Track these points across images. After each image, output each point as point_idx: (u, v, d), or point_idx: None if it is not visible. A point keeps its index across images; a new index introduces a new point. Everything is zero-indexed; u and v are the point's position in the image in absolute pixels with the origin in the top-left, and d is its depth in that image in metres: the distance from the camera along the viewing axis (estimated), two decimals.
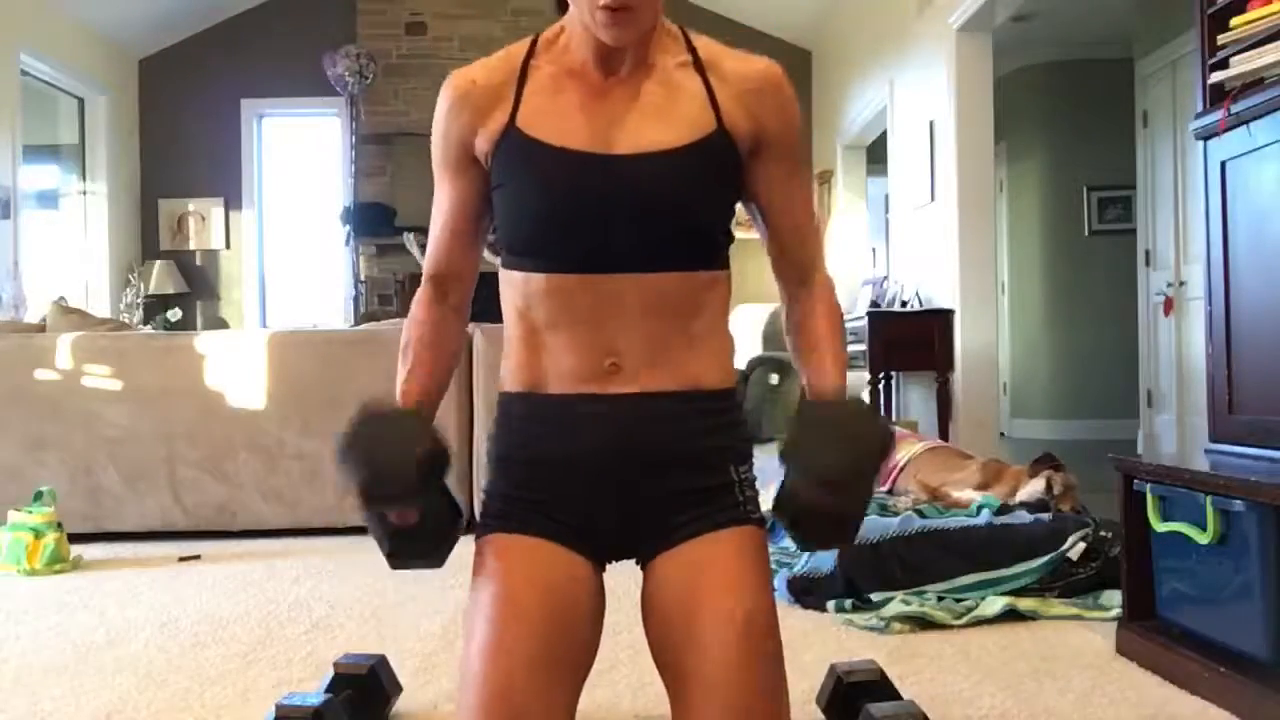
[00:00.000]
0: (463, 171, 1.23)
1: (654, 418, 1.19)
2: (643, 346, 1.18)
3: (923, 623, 2.19)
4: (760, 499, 1.27)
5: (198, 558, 3.16)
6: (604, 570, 1.27)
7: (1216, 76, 2.03)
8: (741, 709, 1.10)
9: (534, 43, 1.22)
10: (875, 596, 2.34)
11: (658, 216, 1.16)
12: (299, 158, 8.28)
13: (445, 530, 1.23)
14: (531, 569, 1.18)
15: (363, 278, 7.54)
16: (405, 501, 1.14)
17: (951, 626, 2.19)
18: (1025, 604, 2.28)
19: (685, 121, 1.17)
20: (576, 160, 1.15)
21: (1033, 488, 2.76)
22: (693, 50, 1.21)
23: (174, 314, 7.63)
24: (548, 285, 1.18)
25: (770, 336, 6.69)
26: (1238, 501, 1.67)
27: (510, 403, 1.26)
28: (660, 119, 1.16)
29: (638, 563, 1.26)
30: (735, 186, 1.22)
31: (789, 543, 2.93)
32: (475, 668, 1.13)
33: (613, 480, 1.21)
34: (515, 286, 1.22)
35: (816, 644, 2.08)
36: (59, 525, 3.08)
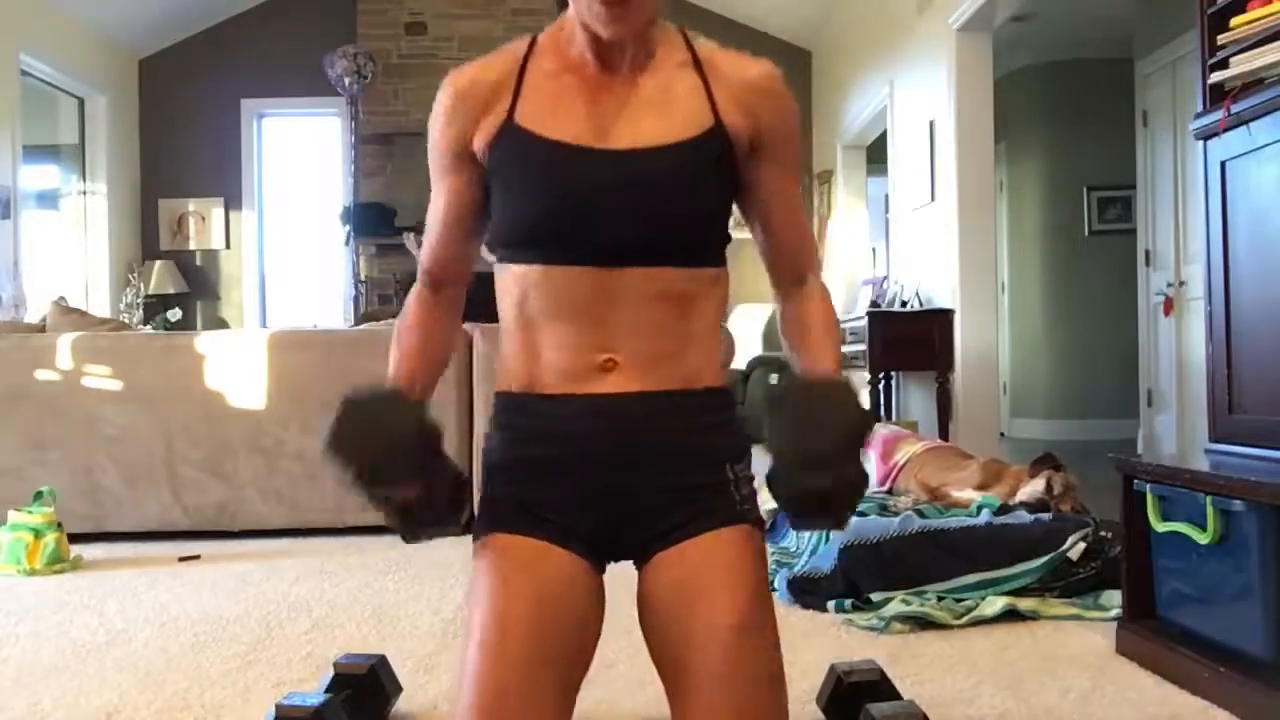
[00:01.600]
0: (460, 169, 1.23)
1: (649, 418, 1.19)
2: (640, 343, 1.17)
3: (923, 623, 2.19)
4: (759, 497, 1.27)
5: (198, 558, 3.16)
6: (603, 570, 1.26)
7: (1216, 76, 2.03)
8: (739, 706, 1.11)
9: (533, 42, 1.23)
10: (875, 596, 2.34)
11: (657, 210, 1.16)
12: (299, 158, 8.28)
13: (453, 495, 1.23)
14: (525, 571, 1.18)
15: (363, 278, 7.54)
16: (404, 480, 1.14)
17: (951, 626, 2.19)
18: (1025, 604, 2.28)
19: (683, 117, 1.17)
20: (574, 154, 1.16)
21: (1033, 488, 2.76)
22: (691, 50, 1.22)
23: (174, 314, 7.63)
24: (545, 277, 1.17)
25: (770, 336, 6.69)
26: (1238, 501, 1.67)
27: (505, 403, 1.26)
28: (658, 114, 1.17)
29: (635, 563, 1.25)
30: (733, 183, 1.22)
31: (789, 542, 2.94)
32: (470, 669, 1.14)
33: (607, 481, 1.20)
34: (512, 281, 1.20)
35: (816, 644, 2.08)
36: (59, 525, 3.08)
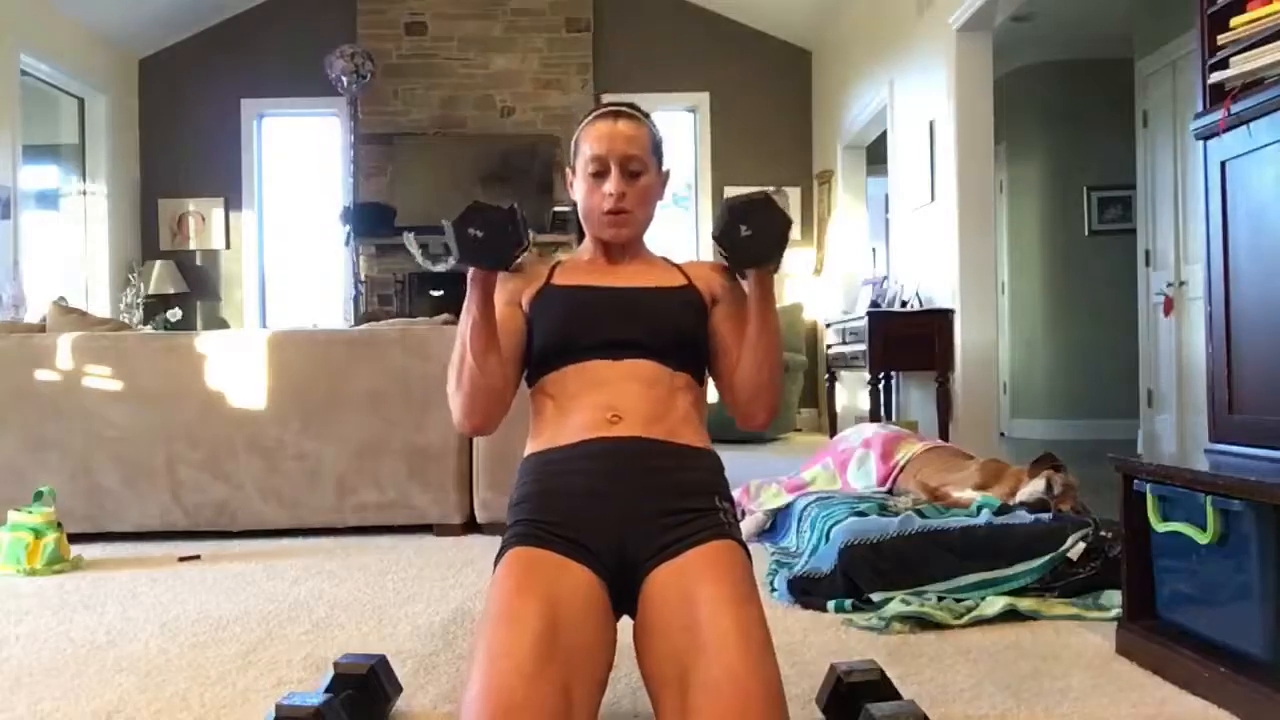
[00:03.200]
0: (508, 304, 1.62)
1: (649, 453, 1.50)
2: (640, 407, 1.52)
3: (923, 623, 2.20)
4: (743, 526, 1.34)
5: (198, 558, 3.16)
6: (615, 613, 1.43)
7: (1216, 76, 2.03)
8: (741, 688, 1.19)
9: (558, 262, 1.71)
10: (875, 596, 2.34)
11: (645, 318, 1.59)
12: (299, 158, 8.27)
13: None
14: (536, 575, 1.35)
15: (363, 278, 7.53)
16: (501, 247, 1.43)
17: (951, 626, 2.19)
18: (1025, 604, 2.28)
19: (665, 279, 1.67)
20: (593, 290, 1.63)
21: (1033, 488, 2.76)
22: (669, 261, 1.73)
23: (174, 314, 7.63)
24: (568, 369, 1.57)
25: None
26: (1237, 501, 1.67)
27: (531, 459, 1.57)
28: (647, 276, 1.66)
29: (635, 589, 1.42)
30: (703, 321, 1.64)
31: (789, 543, 2.93)
32: (476, 668, 1.21)
33: (613, 500, 1.45)
34: (542, 385, 1.60)
35: (816, 644, 2.08)
36: (59, 525, 3.08)
